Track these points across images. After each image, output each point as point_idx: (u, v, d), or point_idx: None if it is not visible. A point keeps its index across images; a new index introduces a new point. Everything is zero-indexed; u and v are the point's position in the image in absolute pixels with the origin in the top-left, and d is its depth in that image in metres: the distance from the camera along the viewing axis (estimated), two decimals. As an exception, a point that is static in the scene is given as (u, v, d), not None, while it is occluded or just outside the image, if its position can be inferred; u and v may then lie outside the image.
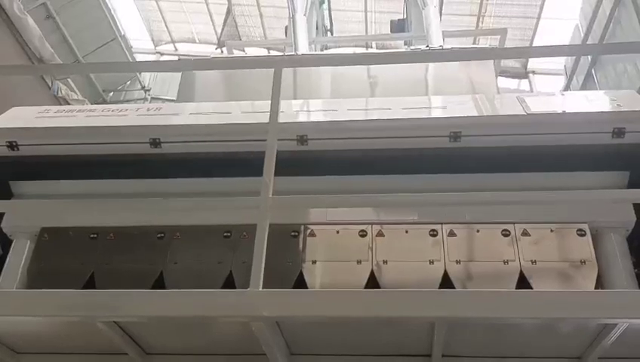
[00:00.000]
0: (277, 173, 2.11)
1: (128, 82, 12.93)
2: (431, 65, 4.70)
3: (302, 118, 3.02)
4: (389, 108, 2.79)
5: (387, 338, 2.31)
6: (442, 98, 3.11)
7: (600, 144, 2.54)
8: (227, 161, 2.70)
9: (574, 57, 9.88)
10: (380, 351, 2.39)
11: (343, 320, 2.00)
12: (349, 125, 2.51)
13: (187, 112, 3.09)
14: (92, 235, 2.70)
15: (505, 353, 2.33)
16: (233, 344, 2.40)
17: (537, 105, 2.80)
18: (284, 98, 2.29)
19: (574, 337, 2.20)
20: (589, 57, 9.21)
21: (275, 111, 2.16)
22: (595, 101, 2.84)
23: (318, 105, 3.21)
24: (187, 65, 4.44)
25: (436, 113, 2.90)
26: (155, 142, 2.74)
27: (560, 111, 2.72)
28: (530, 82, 12.51)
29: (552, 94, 3.99)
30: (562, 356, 2.32)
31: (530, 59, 12.49)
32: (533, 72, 12.56)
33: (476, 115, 2.68)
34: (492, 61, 4.74)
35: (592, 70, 9.06)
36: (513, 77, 12.44)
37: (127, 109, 3.10)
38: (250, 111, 2.97)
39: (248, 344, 2.20)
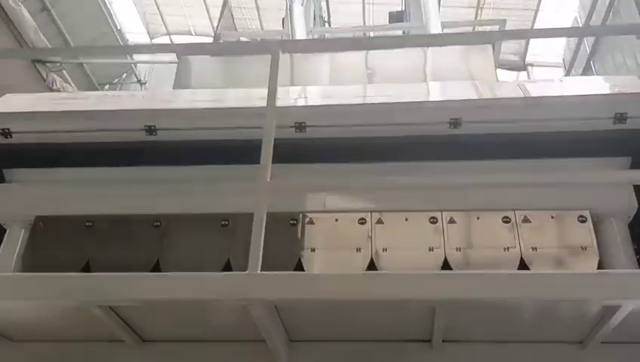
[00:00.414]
0: (275, 161, 2.08)
1: (124, 75, 12.83)
2: (429, 54, 4.67)
3: (299, 104, 2.98)
4: (389, 95, 2.76)
5: (387, 324, 2.29)
6: (442, 84, 3.08)
7: (601, 130, 2.52)
8: (224, 148, 2.67)
9: (573, 49, 9.88)
10: (379, 337, 2.37)
11: (343, 304, 1.97)
12: (348, 109, 2.47)
13: (183, 99, 3.05)
14: (87, 223, 2.67)
15: (506, 338, 2.32)
16: (232, 330, 2.37)
17: (538, 91, 2.78)
18: (281, 87, 2.26)
19: (576, 322, 2.18)
20: (588, 49, 9.20)
21: (272, 94, 2.12)
22: (596, 87, 2.82)
23: (315, 92, 3.18)
24: (182, 49, 4.38)
25: (435, 99, 2.87)
26: (150, 130, 2.71)
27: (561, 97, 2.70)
28: (528, 75, 12.48)
29: (552, 80, 3.96)
30: (564, 340, 2.30)
31: (529, 52, 12.47)
32: (532, 65, 12.54)
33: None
34: (491, 50, 4.71)
35: (591, 62, 9.05)
36: (511, 69, 12.41)
37: (121, 96, 3.08)
38: (247, 98, 2.94)
39: (247, 330, 2.18)
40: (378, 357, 2.34)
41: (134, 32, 14.12)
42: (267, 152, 2.00)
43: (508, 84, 3.17)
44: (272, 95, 2.11)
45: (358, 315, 2.21)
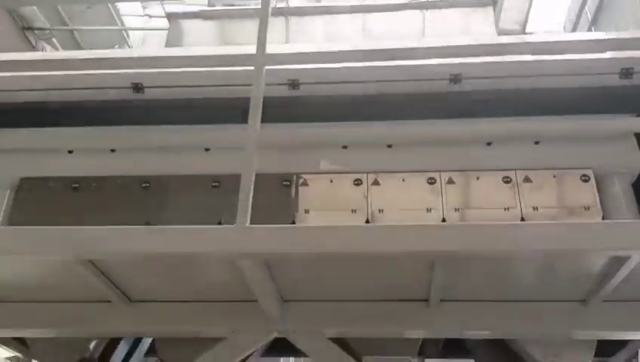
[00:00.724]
0: (267, 120, 1.99)
1: (116, 46, 12.57)
2: (428, 17, 4.59)
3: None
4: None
5: (383, 283, 2.23)
6: (441, 40, 2.96)
7: (607, 85, 2.43)
8: (215, 107, 2.57)
9: (573, 20, 9.68)
10: (375, 297, 2.31)
11: (336, 258, 1.90)
12: (344, 55, 2.33)
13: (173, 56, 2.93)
14: (74, 185, 2.59)
15: (506, 297, 2.26)
16: (223, 290, 2.31)
17: (541, 46, 2.66)
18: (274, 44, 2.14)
19: (578, 279, 2.12)
20: (589, 16, 9.01)
21: (262, 41, 2.00)
22: (602, 42, 2.71)
23: (310, 49, 3.05)
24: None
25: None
26: (137, 87, 2.61)
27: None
28: (528, 44, 12.29)
29: (555, 34, 3.84)
30: (566, 299, 2.25)
31: (529, 21, 12.23)
32: (532, 34, 12.32)
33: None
34: (492, 12, 4.62)
35: (592, 29, 8.87)
36: (511, 38, 12.21)
37: (108, 53, 2.96)
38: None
39: (238, 290, 2.12)
40: (373, 317, 2.28)
41: (126, 2, 13.77)
42: (257, 102, 1.89)
43: (510, 38, 3.05)
44: (261, 42, 1.99)
45: (353, 274, 2.15)
